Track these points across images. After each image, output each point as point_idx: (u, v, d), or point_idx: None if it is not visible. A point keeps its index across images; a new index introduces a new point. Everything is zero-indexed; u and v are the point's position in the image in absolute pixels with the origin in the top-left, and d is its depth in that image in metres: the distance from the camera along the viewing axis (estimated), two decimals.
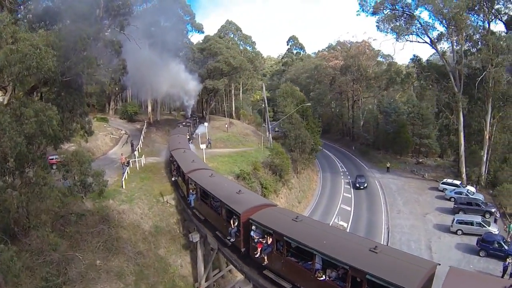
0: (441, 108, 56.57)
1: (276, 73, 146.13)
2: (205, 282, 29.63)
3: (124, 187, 34.54)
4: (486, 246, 34.13)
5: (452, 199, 47.81)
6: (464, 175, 54.29)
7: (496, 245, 33.58)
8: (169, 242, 31.54)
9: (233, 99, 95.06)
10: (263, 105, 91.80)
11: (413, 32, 53.50)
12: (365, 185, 57.21)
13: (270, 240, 18.75)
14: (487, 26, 50.35)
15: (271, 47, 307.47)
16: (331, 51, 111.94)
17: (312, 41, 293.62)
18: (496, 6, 48.74)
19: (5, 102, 20.62)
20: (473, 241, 36.53)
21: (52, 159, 31.50)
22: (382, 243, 38.87)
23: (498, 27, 52.94)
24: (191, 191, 29.47)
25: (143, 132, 57.70)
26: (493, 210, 42.71)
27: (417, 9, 52.43)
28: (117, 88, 69.53)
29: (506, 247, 33.11)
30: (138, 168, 40.72)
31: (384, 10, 53.64)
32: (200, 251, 29.48)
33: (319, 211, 51.00)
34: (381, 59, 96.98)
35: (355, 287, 14.49)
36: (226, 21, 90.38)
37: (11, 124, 17.41)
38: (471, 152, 55.90)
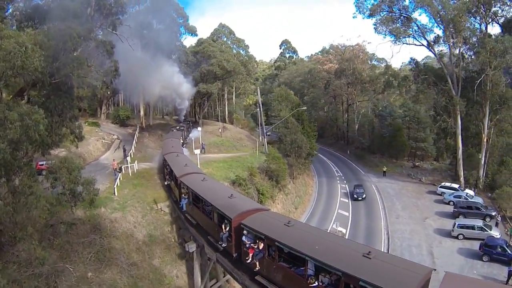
0: (439, 111, 55.97)
1: (268, 77, 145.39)
2: None
3: (116, 194, 33.32)
4: (489, 251, 33.47)
5: (451, 203, 47.35)
6: (462, 179, 53.82)
7: (499, 249, 33.00)
8: (164, 252, 30.24)
9: (226, 103, 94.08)
10: (256, 110, 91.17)
11: (411, 34, 53.02)
12: (364, 195, 53.91)
13: (261, 246, 18.47)
14: (484, 29, 50.21)
15: (262, 52, 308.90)
16: (325, 55, 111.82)
17: (304, 45, 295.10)
18: (493, 9, 48.63)
19: None
20: (474, 245, 35.90)
21: (42, 164, 30.16)
22: (382, 249, 38.51)
23: (494, 30, 52.15)
24: (183, 195, 29.03)
25: (135, 137, 56.64)
26: (493, 213, 42.20)
27: (414, 12, 52.29)
28: (109, 92, 68.57)
29: (509, 252, 32.56)
30: (130, 174, 39.64)
31: (381, 13, 53.20)
32: (196, 261, 28.28)
33: (316, 217, 49.96)
34: (375, 63, 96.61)
35: None
36: (219, 24, 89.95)
37: None
38: (468, 155, 55.49)
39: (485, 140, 51.63)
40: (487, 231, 36.84)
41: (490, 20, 49.90)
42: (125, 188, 35.29)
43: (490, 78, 46.98)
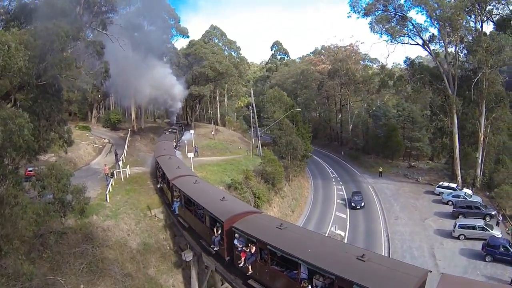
0: (435, 110, 55.60)
1: (260, 79, 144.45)
2: None
3: (108, 200, 32.14)
4: (492, 251, 32.97)
5: (450, 203, 46.94)
6: (459, 178, 53.42)
7: (502, 249, 32.53)
8: (159, 261, 29.15)
9: (218, 106, 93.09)
10: (248, 112, 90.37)
11: (406, 33, 52.67)
12: (362, 203, 50.65)
13: (253, 249, 18.20)
14: (480, 28, 50.12)
15: (253, 54, 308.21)
16: (318, 56, 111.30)
17: (296, 47, 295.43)
18: (488, 7, 48.57)
19: None
20: (476, 245, 35.44)
21: (31, 171, 28.81)
22: (383, 251, 38.04)
23: (488, 29, 52.02)
24: (175, 198, 28.86)
25: (127, 140, 55.56)
26: (493, 212, 41.80)
27: (410, 11, 51.98)
28: (99, 95, 67.32)
29: None
30: (122, 179, 38.50)
31: (376, 12, 52.73)
32: (194, 270, 27.16)
33: (314, 219, 49.16)
34: (368, 63, 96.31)
35: None
36: (210, 26, 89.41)
37: None
38: (465, 154, 55.17)
39: (482, 138, 51.35)
40: (489, 230, 36.37)
41: (485, 19, 49.90)
42: (118, 194, 34.15)
43: (487, 76, 46.75)
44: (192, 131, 58.67)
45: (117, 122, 65.17)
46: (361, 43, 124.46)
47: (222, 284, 29.24)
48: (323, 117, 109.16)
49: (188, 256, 26.19)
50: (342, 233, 41.46)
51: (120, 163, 42.89)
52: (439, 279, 12.78)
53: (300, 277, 15.62)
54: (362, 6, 53.79)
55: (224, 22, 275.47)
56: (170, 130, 62.49)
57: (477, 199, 46.12)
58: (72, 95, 54.71)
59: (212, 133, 70.72)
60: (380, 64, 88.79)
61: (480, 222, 37.93)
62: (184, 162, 40.40)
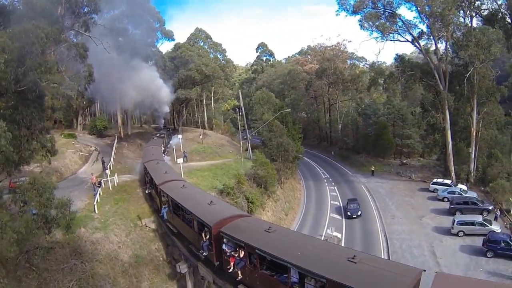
0: (427, 107, 55.40)
1: (245, 81, 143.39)
2: None
3: (96, 211, 30.67)
4: (493, 246, 32.63)
5: (446, 199, 46.60)
6: (453, 174, 53.31)
7: (503, 244, 32.22)
8: (153, 273, 27.91)
9: (205, 109, 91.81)
10: (234, 114, 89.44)
11: (396, 30, 52.45)
12: (359, 212, 46.65)
13: (242, 254, 17.92)
14: (469, 23, 50.20)
15: (237, 56, 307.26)
16: (304, 56, 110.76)
17: (280, 49, 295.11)
18: (477, 2, 49.02)
19: None
20: (476, 241, 35.03)
21: (16, 182, 27.08)
22: (382, 252, 37.46)
23: (477, 24, 52.22)
24: (163, 203, 28.83)
25: (114, 147, 53.97)
26: (490, 207, 41.69)
27: (399, 7, 51.88)
28: (84, 102, 65.58)
29: None
30: (111, 188, 36.94)
31: (365, 9, 52.39)
32: (189, 282, 25.83)
33: (309, 222, 48.19)
34: (356, 62, 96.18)
35: None
36: (195, 28, 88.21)
37: None
38: (457, 149, 55.16)
39: (474, 133, 51.35)
40: (488, 226, 36.06)
41: (474, 14, 50.07)
42: (106, 204, 32.70)
43: (478, 71, 46.76)
44: (179, 136, 57.33)
45: (104, 129, 63.48)
46: (349, 41, 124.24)
47: None
48: (312, 118, 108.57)
49: (183, 268, 24.97)
50: (339, 235, 40.39)
51: (108, 171, 41.38)
52: (434, 278, 12.48)
53: (291, 281, 15.38)
54: (350, 3, 53.63)
55: (210, 25, 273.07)
56: (158, 134, 61.72)
57: (473, 194, 45.85)
58: (56, 102, 53.54)
59: (200, 137, 69.58)
60: (368, 62, 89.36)
61: (478, 218, 37.63)
62: (174, 168, 39.43)
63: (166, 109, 69.46)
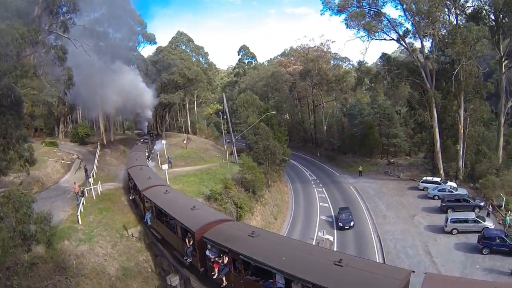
0: (414, 105, 55.23)
1: (228, 85, 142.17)
2: None
3: (80, 222, 29.12)
4: (489, 243, 32.39)
5: (436, 197, 46.42)
6: (442, 171, 53.34)
7: (498, 240, 31.99)
8: (142, 286, 26.46)
9: (188, 114, 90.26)
10: (217, 118, 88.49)
11: (381, 29, 52.41)
12: (352, 223, 42.93)
13: (226, 260, 17.56)
14: (454, 20, 50.42)
15: (220, 60, 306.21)
16: (287, 57, 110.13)
17: (262, 51, 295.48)
18: (461, 1, 49.40)
19: None
20: (470, 239, 34.83)
21: None
22: (376, 253, 36.90)
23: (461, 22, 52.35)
24: (147, 209, 28.59)
25: (96, 155, 52.40)
26: (482, 204, 41.59)
27: (384, 6, 51.77)
28: (66, 109, 63.30)
29: (509, 241, 31.51)
30: (94, 197, 35.35)
31: (350, 8, 52.13)
32: None
33: (299, 225, 47.07)
34: (340, 62, 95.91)
35: None
36: (177, 32, 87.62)
37: None
38: (445, 147, 55.28)
39: (461, 130, 51.51)
40: (481, 222, 35.81)
41: (458, 12, 50.40)
42: (90, 215, 31.13)
43: (464, 68, 46.89)
44: (163, 141, 55.79)
45: (86, 136, 61.39)
46: (332, 42, 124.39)
47: None
48: (296, 119, 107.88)
49: (174, 280, 23.48)
50: (331, 238, 39.41)
51: (91, 179, 40.01)
52: (423, 279, 12.32)
53: (277, 286, 15.10)
54: (335, 2, 53.37)
55: (192, 29, 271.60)
56: (142, 140, 60.44)
57: (463, 191, 45.82)
58: (37, 109, 51.84)
59: (184, 142, 67.97)
60: (351, 62, 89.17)
61: (471, 215, 37.36)
62: (158, 174, 38.46)
63: (149, 113, 67.97)
